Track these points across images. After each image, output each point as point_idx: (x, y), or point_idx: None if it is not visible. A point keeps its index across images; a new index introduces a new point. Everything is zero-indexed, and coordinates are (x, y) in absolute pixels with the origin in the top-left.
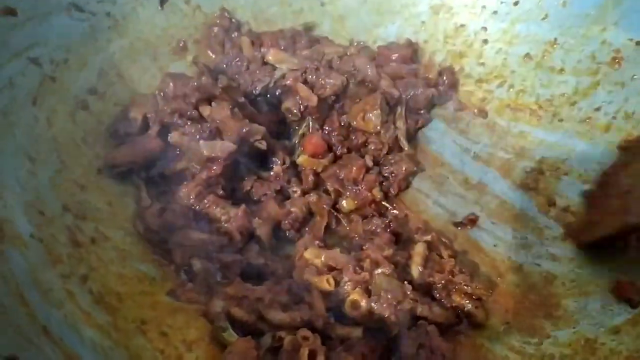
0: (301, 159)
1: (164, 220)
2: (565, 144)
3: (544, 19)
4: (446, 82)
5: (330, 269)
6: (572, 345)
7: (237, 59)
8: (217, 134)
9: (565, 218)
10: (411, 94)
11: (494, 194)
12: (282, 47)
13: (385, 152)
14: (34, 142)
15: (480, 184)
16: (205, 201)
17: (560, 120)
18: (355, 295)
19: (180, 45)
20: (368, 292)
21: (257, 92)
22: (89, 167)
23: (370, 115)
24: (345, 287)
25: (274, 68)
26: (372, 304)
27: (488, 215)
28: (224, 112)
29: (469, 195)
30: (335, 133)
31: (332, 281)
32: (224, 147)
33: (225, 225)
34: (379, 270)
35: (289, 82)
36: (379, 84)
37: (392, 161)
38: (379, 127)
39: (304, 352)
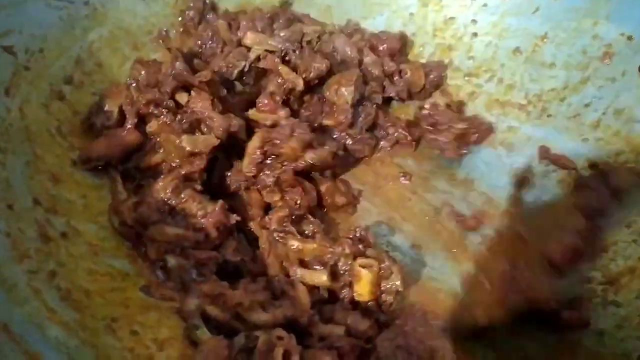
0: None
1: (139, 214)
2: (554, 140)
3: (534, 12)
4: (434, 80)
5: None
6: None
7: (212, 41)
8: (196, 125)
9: None
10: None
11: (480, 190)
12: (260, 29)
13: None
14: (4, 132)
15: (467, 180)
16: (182, 196)
17: (549, 115)
18: (369, 276)
19: (162, 34)
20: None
21: (233, 77)
22: (63, 159)
23: (344, 90)
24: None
25: (250, 50)
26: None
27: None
28: (204, 103)
29: (456, 191)
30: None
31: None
32: (207, 142)
33: (202, 220)
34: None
35: (266, 64)
36: (363, 61)
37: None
38: (348, 103)
39: (279, 352)
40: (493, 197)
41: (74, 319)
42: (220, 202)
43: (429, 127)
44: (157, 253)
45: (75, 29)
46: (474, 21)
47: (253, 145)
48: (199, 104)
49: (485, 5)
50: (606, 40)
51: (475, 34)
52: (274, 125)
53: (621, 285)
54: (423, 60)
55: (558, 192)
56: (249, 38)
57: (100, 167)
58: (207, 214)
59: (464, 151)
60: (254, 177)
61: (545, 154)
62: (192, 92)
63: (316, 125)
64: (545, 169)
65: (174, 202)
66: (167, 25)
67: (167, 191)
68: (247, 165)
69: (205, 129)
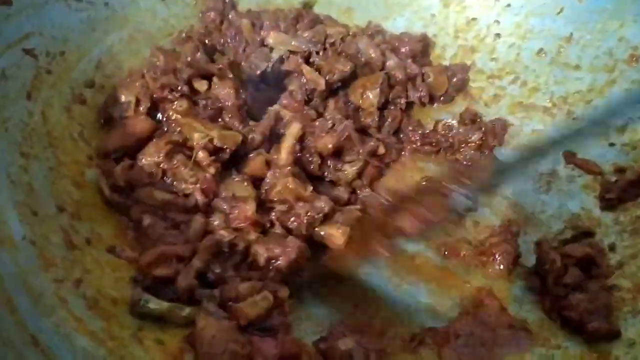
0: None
1: (130, 175)
2: (579, 144)
3: (559, 13)
4: (457, 83)
5: None
6: (585, 357)
7: (234, 40)
8: (218, 114)
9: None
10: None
11: (504, 195)
12: (283, 29)
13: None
14: (27, 137)
15: None
16: (175, 161)
17: (575, 118)
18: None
19: (183, 36)
20: None
21: (256, 77)
22: (85, 164)
23: (369, 93)
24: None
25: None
26: None
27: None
28: (228, 91)
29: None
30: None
31: None
32: (234, 139)
33: (191, 187)
34: None
35: (290, 65)
36: (386, 64)
37: None
38: (374, 106)
39: None
40: (517, 201)
41: (101, 327)
42: (212, 169)
43: (447, 149)
44: (140, 214)
45: (95, 32)
46: (496, 22)
47: (292, 135)
48: (223, 91)
49: (508, 5)
50: (633, 43)
51: (498, 35)
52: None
53: None
54: (445, 62)
55: (584, 198)
56: (273, 38)
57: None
58: (198, 180)
59: None
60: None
61: (570, 158)
62: (215, 79)
63: None
64: (570, 173)
65: (166, 166)
66: (186, 27)
67: (161, 154)
68: (285, 156)
69: (228, 118)
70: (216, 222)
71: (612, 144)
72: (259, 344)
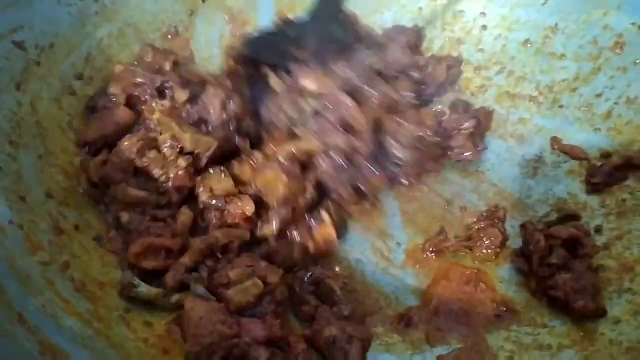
0: None
1: (104, 172)
2: (565, 131)
3: (544, 4)
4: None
5: None
6: (571, 335)
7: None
8: (202, 121)
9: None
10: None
11: (491, 181)
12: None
13: None
14: (16, 127)
15: (478, 171)
16: (146, 157)
17: (561, 106)
18: None
19: (172, 30)
20: None
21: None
22: (74, 153)
23: None
24: None
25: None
26: None
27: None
28: (214, 101)
29: (467, 183)
30: None
31: None
32: (209, 144)
33: (164, 184)
34: None
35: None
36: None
37: None
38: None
39: None
40: (504, 188)
41: (88, 309)
42: (184, 165)
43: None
44: (117, 211)
45: (85, 26)
46: (483, 14)
47: None
48: (207, 100)
49: None
50: (617, 30)
51: (484, 27)
52: None
53: (636, 273)
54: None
55: (569, 182)
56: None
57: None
58: (169, 177)
59: (481, 147)
60: None
61: (557, 144)
62: (208, 86)
63: None
64: (556, 159)
65: (138, 163)
66: (176, 22)
67: (133, 150)
68: None
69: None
70: (213, 221)
71: (597, 129)
72: (248, 326)
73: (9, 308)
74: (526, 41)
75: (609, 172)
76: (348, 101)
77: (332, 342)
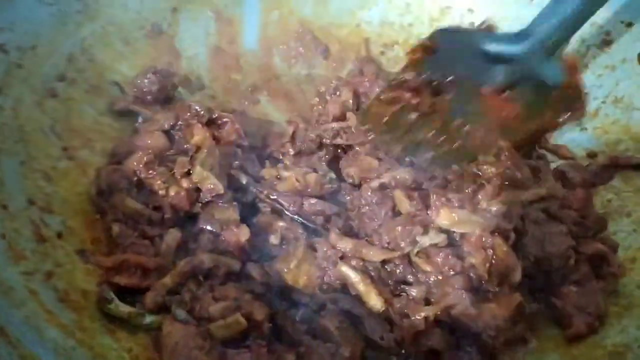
0: None
1: (111, 179)
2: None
3: (531, 0)
4: None
5: None
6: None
7: None
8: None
9: None
10: None
11: None
12: None
13: None
14: None
15: None
16: (151, 171)
17: None
18: None
19: (155, 28)
20: None
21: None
22: (57, 158)
23: None
24: None
25: None
26: None
27: None
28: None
29: None
30: None
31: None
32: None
33: (162, 199)
34: None
35: None
36: None
37: None
38: None
39: None
40: None
41: (72, 319)
42: (186, 186)
43: None
44: (110, 222)
45: (67, 25)
46: (470, 10)
47: None
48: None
49: None
50: (605, 28)
51: (472, 24)
52: None
53: None
54: None
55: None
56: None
57: None
58: (168, 194)
59: None
60: None
61: (543, 144)
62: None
63: None
64: None
65: (142, 175)
66: (159, 20)
67: (141, 163)
68: None
69: None
70: (204, 244)
71: (584, 129)
72: (234, 357)
73: None
74: None
75: (594, 171)
76: None
77: None
